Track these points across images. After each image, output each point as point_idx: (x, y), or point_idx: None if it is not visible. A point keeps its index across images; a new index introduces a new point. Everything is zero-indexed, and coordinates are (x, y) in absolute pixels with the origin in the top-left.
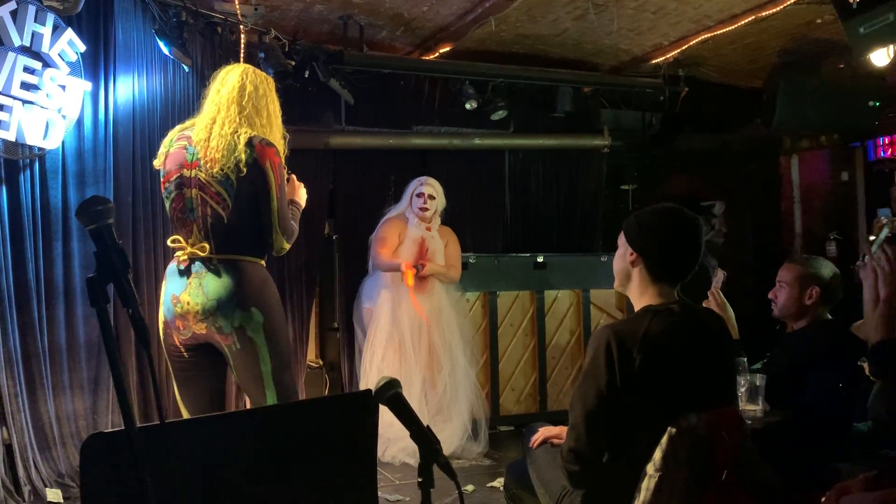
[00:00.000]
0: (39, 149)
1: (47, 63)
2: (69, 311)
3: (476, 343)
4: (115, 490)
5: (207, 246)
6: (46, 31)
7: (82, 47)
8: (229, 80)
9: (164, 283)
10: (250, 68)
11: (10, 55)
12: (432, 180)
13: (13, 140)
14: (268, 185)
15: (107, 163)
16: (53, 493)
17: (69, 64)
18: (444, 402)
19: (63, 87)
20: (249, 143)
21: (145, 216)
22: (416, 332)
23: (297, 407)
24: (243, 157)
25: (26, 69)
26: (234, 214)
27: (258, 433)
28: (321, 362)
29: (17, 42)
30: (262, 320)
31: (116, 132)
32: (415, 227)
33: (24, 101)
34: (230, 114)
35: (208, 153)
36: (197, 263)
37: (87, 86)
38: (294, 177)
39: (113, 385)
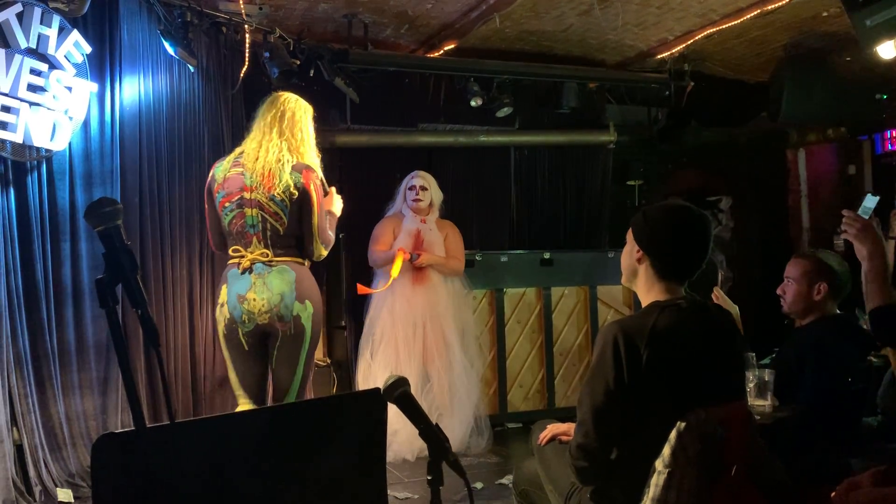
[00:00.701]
0: (46, 150)
1: (53, 65)
2: (78, 312)
3: (483, 340)
4: (125, 490)
5: (269, 253)
6: (52, 32)
7: (88, 49)
8: (273, 105)
9: (224, 285)
10: (291, 96)
11: (17, 57)
12: (423, 173)
13: (20, 142)
14: (311, 204)
15: (114, 164)
16: (64, 493)
17: (75, 65)
18: (443, 399)
19: (69, 89)
20: (295, 169)
21: (152, 217)
22: (410, 328)
23: (306, 405)
24: (291, 182)
25: (33, 71)
26: (288, 228)
27: (267, 432)
28: (329, 361)
29: (23, 44)
30: (312, 311)
31: (123, 133)
32: (410, 220)
33: (31, 103)
34: (273, 138)
35: (260, 179)
36: (259, 265)
37: (94, 87)
38: (333, 189)
39: (123, 385)
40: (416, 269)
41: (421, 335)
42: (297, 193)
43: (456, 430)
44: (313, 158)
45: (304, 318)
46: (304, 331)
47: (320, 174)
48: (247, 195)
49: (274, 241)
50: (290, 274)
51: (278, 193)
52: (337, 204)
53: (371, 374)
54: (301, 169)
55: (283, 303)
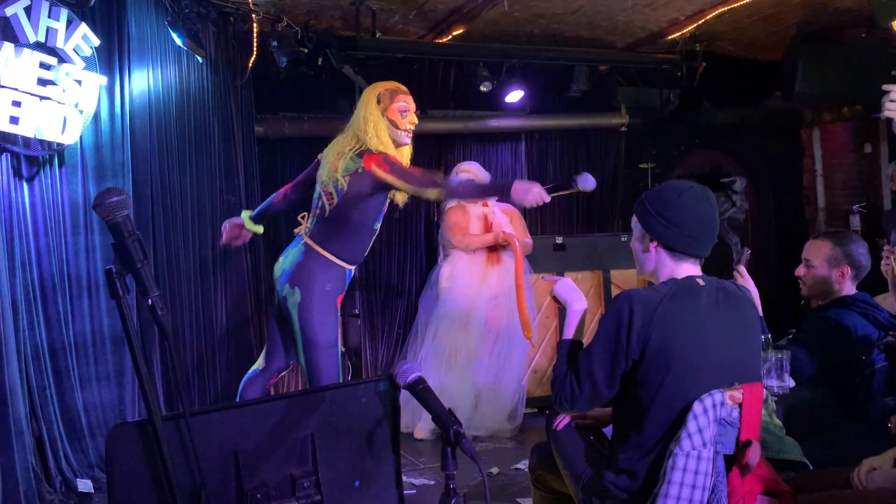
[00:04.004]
0: (58, 144)
1: (62, 58)
2: (93, 304)
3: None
4: (141, 478)
5: (309, 228)
6: (60, 26)
7: (96, 41)
8: None
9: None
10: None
11: (26, 51)
12: (466, 164)
13: (31, 136)
14: (380, 179)
15: (125, 156)
16: (84, 484)
17: (84, 58)
18: (490, 377)
19: (79, 82)
20: (357, 155)
21: (164, 208)
22: (483, 306)
23: (321, 392)
24: (350, 167)
25: (42, 65)
26: (334, 209)
27: (281, 420)
28: (343, 348)
29: (31, 38)
30: (300, 300)
31: (133, 125)
32: (473, 207)
33: (41, 97)
34: (345, 130)
35: (328, 163)
36: (298, 237)
37: (103, 80)
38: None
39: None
40: (489, 250)
41: (492, 313)
42: (352, 178)
43: (502, 408)
44: (376, 142)
45: (290, 302)
46: (291, 316)
47: (392, 152)
48: (320, 174)
49: (318, 220)
50: (298, 255)
51: (338, 178)
52: (524, 196)
53: (436, 352)
54: (363, 154)
55: (279, 280)
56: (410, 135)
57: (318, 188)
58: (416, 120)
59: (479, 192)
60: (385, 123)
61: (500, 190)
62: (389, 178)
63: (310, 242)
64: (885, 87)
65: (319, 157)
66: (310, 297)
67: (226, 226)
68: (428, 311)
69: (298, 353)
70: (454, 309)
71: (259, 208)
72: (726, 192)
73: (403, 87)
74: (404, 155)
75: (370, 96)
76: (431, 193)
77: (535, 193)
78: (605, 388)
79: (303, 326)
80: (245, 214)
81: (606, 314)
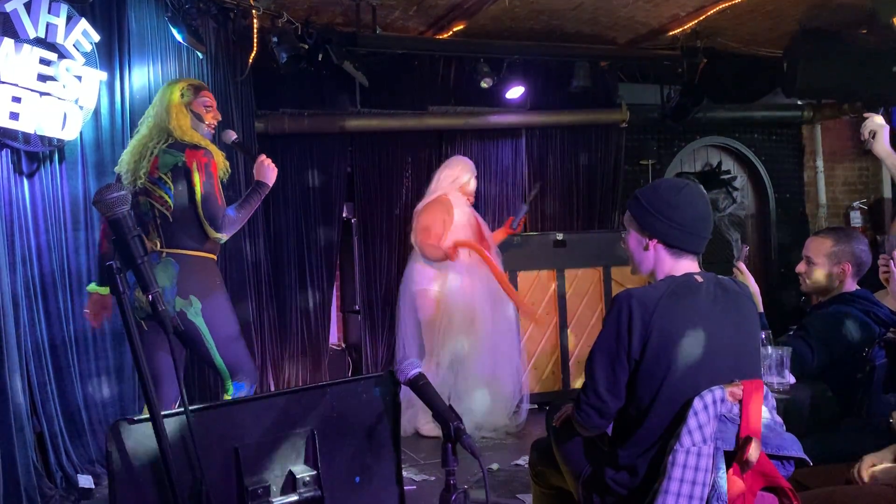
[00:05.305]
0: (58, 140)
1: (62, 54)
2: None
3: None
4: (142, 474)
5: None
6: (60, 21)
7: (97, 37)
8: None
9: None
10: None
11: (26, 47)
12: (462, 160)
13: (31, 132)
14: (193, 184)
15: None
16: (85, 479)
17: (84, 54)
18: (497, 371)
19: (79, 78)
20: (174, 148)
21: None
22: (491, 306)
23: (322, 388)
24: (170, 162)
25: (42, 61)
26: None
27: (282, 416)
28: (344, 345)
29: (31, 34)
30: (201, 306)
31: (133, 121)
32: (461, 205)
33: (41, 93)
34: (140, 130)
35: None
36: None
37: (103, 76)
38: (263, 156)
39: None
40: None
41: (492, 310)
42: (173, 173)
43: (502, 404)
44: (180, 133)
45: (191, 313)
46: (195, 326)
47: (196, 137)
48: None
49: (166, 229)
50: (173, 268)
51: (161, 177)
52: (269, 173)
53: (443, 352)
54: (183, 148)
55: (165, 300)
56: (213, 131)
57: (142, 200)
58: (219, 116)
59: (251, 208)
60: (189, 116)
61: (260, 191)
62: (196, 187)
63: (175, 252)
64: (866, 114)
65: (117, 170)
66: (209, 298)
67: (87, 312)
68: (408, 311)
69: (214, 357)
70: (455, 307)
71: (99, 271)
72: (727, 188)
73: (205, 84)
74: (217, 154)
75: (172, 90)
76: (211, 232)
77: (267, 163)
78: (608, 394)
79: (214, 329)
80: (92, 287)
81: (607, 316)
